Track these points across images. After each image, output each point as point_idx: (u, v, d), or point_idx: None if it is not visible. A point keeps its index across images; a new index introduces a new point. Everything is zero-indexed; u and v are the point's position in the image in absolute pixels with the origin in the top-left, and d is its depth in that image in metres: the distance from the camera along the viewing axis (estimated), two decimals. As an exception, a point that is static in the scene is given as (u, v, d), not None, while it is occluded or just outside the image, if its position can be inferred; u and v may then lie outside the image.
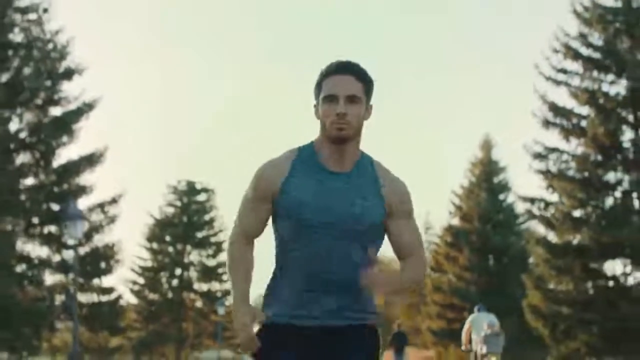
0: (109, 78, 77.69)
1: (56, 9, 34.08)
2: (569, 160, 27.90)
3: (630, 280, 27.58)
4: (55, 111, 28.60)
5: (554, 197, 28.36)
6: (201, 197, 48.55)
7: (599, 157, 27.51)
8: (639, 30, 27.62)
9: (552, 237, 28.41)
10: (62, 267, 28.00)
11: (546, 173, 27.92)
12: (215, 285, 47.40)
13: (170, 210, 47.90)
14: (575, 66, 28.13)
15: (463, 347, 15.77)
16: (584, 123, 27.73)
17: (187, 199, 48.15)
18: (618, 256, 27.20)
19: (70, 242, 23.39)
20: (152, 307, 45.71)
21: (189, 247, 47.26)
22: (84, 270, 28.57)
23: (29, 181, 28.07)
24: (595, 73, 27.90)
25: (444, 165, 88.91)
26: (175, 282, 46.86)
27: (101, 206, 29.74)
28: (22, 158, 27.86)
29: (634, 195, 27.44)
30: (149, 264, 46.79)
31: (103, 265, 30.00)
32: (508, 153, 79.32)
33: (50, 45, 28.52)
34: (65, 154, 29.35)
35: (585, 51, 28.13)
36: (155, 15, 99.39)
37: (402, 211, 2.97)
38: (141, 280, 46.21)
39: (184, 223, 47.21)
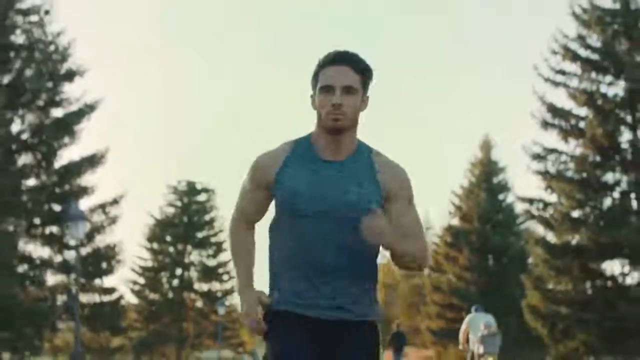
0: (109, 79, 77.78)
1: (57, 11, 34.11)
2: (568, 161, 27.97)
3: (629, 280, 27.59)
4: (57, 112, 28.83)
5: (552, 198, 28.44)
6: (201, 197, 48.60)
7: (598, 158, 27.57)
8: (637, 32, 27.73)
9: (551, 237, 28.47)
10: (64, 267, 28.13)
11: (545, 174, 28.00)
12: (216, 285, 47.43)
13: (171, 210, 47.93)
14: (573, 67, 28.26)
15: (460, 347, 15.97)
16: (582, 124, 27.80)
17: (188, 199, 48.20)
18: (616, 256, 27.24)
19: (72, 242, 23.57)
20: (152, 307, 45.71)
21: (189, 247, 47.28)
22: (86, 271, 28.66)
23: (31, 182, 28.22)
24: (593, 74, 27.97)
25: (444, 165, 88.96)
26: (175, 282, 46.87)
27: (102, 207, 29.87)
28: (24, 159, 28.02)
29: (632, 195, 27.49)
30: (150, 264, 46.81)
31: (104, 265, 30.13)
32: (508, 153, 79.42)
33: (52, 47, 28.68)
34: (66, 155, 29.61)
35: (583, 53, 28.21)
36: (155, 16, 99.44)
37: (401, 196, 2.95)
38: (142, 280, 46.22)
39: (184, 223, 47.26)
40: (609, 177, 27.77)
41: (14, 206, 26.70)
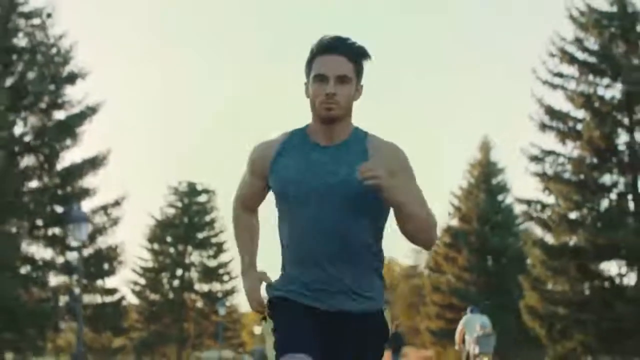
0: (110, 81, 78.03)
1: (59, 14, 34.28)
2: (565, 163, 28.06)
3: (626, 281, 27.69)
4: (59, 115, 28.96)
5: (550, 199, 28.53)
6: (202, 198, 48.71)
7: (595, 160, 27.68)
8: (634, 35, 27.87)
9: (549, 238, 28.53)
10: (66, 268, 28.24)
11: (543, 175, 28.10)
12: (216, 286, 47.53)
13: (171, 211, 48.03)
14: (571, 70, 28.35)
15: (457, 347, 16.21)
16: (579, 126, 27.90)
17: (188, 200, 48.30)
18: (613, 257, 27.30)
19: (74, 243, 23.68)
20: (153, 308, 45.78)
21: (189, 248, 47.39)
22: (88, 272, 28.81)
23: (33, 184, 28.36)
24: (590, 77, 28.06)
25: (443, 166, 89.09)
26: (176, 282, 46.95)
27: (104, 208, 30.05)
28: (27, 161, 28.15)
29: (629, 197, 27.56)
30: (150, 264, 46.88)
31: (106, 266, 30.29)
32: (506, 154, 79.53)
33: (54, 50, 28.81)
34: (68, 157, 29.73)
35: (581, 55, 28.32)
36: (155, 16, 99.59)
37: (398, 172, 2.86)
38: (142, 281, 46.29)
39: (184, 224, 47.36)
40: (606, 178, 27.85)
41: (17, 208, 26.85)
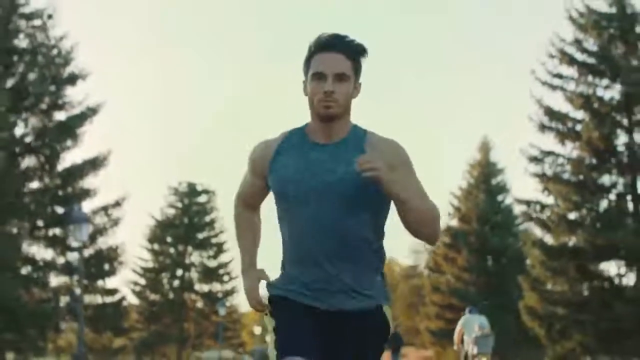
0: (110, 81, 78.08)
1: (60, 15, 34.35)
2: (565, 163, 28.09)
3: (625, 281, 27.73)
4: (60, 116, 29.00)
5: (549, 200, 28.56)
6: (202, 199, 48.79)
7: (594, 161, 27.71)
8: (633, 36, 27.92)
9: (548, 239, 28.57)
10: (67, 269, 28.28)
11: (542, 176, 28.12)
12: (216, 286, 47.60)
13: (172, 211, 48.11)
14: (570, 71, 28.37)
15: (455, 347, 16.31)
16: (579, 127, 27.92)
17: (188, 200, 48.38)
18: (612, 258, 27.33)
19: (75, 244, 23.72)
20: (153, 308, 45.84)
21: (190, 248, 47.46)
22: (88, 272, 28.88)
23: (34, 184, 28.39)
24: (590, 78, 28.09)
25: (443, 166, 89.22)
26: (176, 282, 47.01)
27: (105, 209, 30.12)
28: (28, 162, 28.19)
29: (628, 198, 27.57)
30: (151, 264, 46.95)
31: (107, 267, 30.34)
32: (506, 155, 79.67)
33: (55, 51, 28.87)
34: (69, 158, 29.90)
35: (580, 56, 28.36)
36: (155, 16, 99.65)
37: (397, 167, 2.85)
38: (142, 281, 46.36)
39: (185, 224, 47.43)
40: (606, 179, 27.87)
41: (18, 208, 26.89)
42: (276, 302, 2.94)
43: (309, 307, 2.88)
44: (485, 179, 43.97)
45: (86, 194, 29.27)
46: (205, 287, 47.65)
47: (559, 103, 30.05)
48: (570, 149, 28.19)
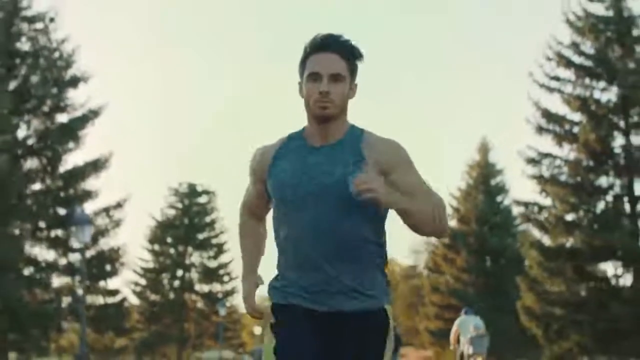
0: (111, 83, 78.15)
1: (61, 18, 34.53)
2: (562, 165, 28.17)
3: (621, 282, 27.83)
4: (62, 118, 29.22)
5: (547, 202, 28.65)
6: (202, 199, 48.89)
7: (591, 163, 27.81)
8: (629, 39, 28.04)
9: (546, 240, 28.65)
10: (69, 269, 28.46)
11: (539, 178, 28.18)
12: (217, 287, 47.69)
13: (172, 212, 48.20)
14: (567, 74, 28.47)
15: (451, 347, 16.58)
16: (576, 129, 28.02)
17: (189, 201, 48.48)
18: (609, 259, 27.44)
19: (77, 245, 23.93)
20: (154, 308, 45.89)
21: (190, 249, 47.55)
22: (90, 273, 29.01)
23: (36, 186, 28.58)
24: (587, 80, 28.19)
25: (442, 167, 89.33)
26: (176, 283, 47.10)
27: (106, 210, 30.30)
28: (30, 164, 28.40)
29: (625, 199, 27.66)
30: (151, 265, 47.02)
31: (108, 268, 30.51)
32: (505, 156, 79.86)
33: (57, 54, 29.09)
34: (71, 160, 30.01)
35: (577, 59, 28.48)
36: (155, 16, 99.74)
37: (398, 165, 2.85)
38: (143, 282, 46.44)
39: (185, 225, 47.53)
40: (603, 181, 27.95)
41: (20, 210, 27.10)
42: (275, 309, 2.92)
43: (308, 309, 2.85)
44: (484, 180, 44.03)
45: (88, 195, 29.45)
46: (205, 288, 47.77)
47: (557, 105, 30.27)
48: (568, 151, 28.28)
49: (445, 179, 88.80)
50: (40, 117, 28.55)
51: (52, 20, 29.03)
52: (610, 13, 28.40)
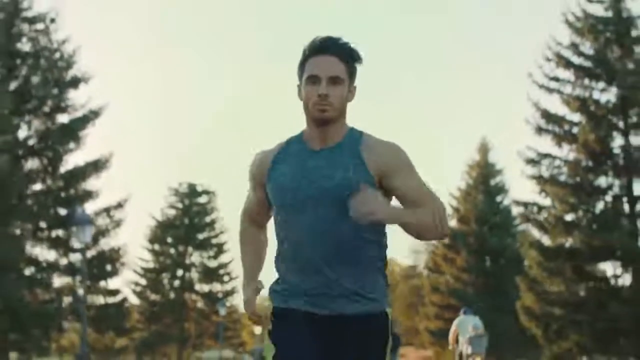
0: (111, 83, 78.22)
1: (62, 19, 34.62)
2: (561, 165, 28.21)
3: (620, 282, 27.89)
4: (63, 118, 29.29)
5: (546, 202, 28.68)
6: (202, 199, 48.95)
7: (590, 163, 27.86)
8: (628, 40, 28.11)
9: (545, 240, 28.68)
10: (70, 269, 28.50)
11: (539, 178, 28.24)
12: (217, 286, 47.74)
13: (172, 212, 48.25)
14: (567, 74, 28.52)
15: (450, 347, 16.68)
16: (575, 130, 28.07)
17: (189, 201, 48.54)
18: (608, 259, 27.49)
19: (77, 245, 23.98)
20: (154, 308, 45.93)
21: (190, 249, 47.60)
22: (91, 273, 29.07)
23: (37, 186, 28.65)
24: (586, 81, 28.26)
25: (442, 167, 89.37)
26: (177, 283, 47.15)
27: (107, 210, 30.37)
28: (31, 164, 28.47)
29: (624, 199, 27.71)
30: (151, 265, 47.07)
31: (109, 268, 30.57)
32: (505, 156, 79.99)
33: (57, 55, 29.16)
34: (72, 160, 29.94)
35: (576, 60, 28.53)
36: (155, 17, 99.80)
37: (398, 169, 2.85)
38: (143, 282, 46.50)
39: (185, 225, 47.59)
40: (602, 181, 27.99)
41: (21, 210, 27.16)
42: (276, 313, 2.92)
43: (308, 313, 2.86)
44: (484, 180, 44.09)
45: (88, 195, 29.51)
46: (205, 287, 47.82)
47: (556, 106, 30.28)
48: (567, 152, 28.31)
49: (445, 178, 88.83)
50: (41, 118, 28.63)
51: (52, 21, 29.13)
52: (610, 14, 28.46)
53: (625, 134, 27.98)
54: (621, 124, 28.06)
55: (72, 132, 28.74)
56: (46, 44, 28.93)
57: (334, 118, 2.85)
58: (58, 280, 29.06)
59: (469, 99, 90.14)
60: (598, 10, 28.70)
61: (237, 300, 48.79)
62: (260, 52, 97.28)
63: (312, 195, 2.82)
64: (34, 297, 28.00)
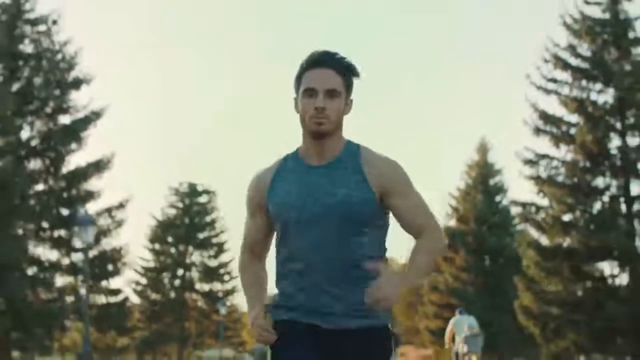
0: (111, 83, 78.36)
1: (64, 20, 34.80)
2: (559, 166, 28.30)
3: (618, 282, 27.98)
4: (65, 119, 29.44)
5: (544, 202, 28.77)
6: (203, 199, 49.12)
7: (588, 164, 27.96)
8: (626, 41, 28.22)
9: (543, 240, 28.77)
10: (72, 269, 28.65)
11: (537, 179, 28.34)
12: (217, 286, 47.89)
13: (173, 211, 48.42)
14: (564, 76, 28.61)
15: (446, 346, 16.93)
16: (573, 130, 28.16)
17: (189, 200, 48.70)
18: (606, 258, 27.58)
19: (79, 245, 24.15)
20: (155, 307, 46.09)
21: (190, 248, 47.76)
22: (93, 273, 29.19)
23: (40, 187, 28.77)
24: (584, 82, 28.36)
25: (441, 167, 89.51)
26: (177, 282, 47.31)
27: (109, 211, 30.50)
28: (33, 165, 28.62)
29: (621, 200, 27.83)
30: (152, 264, 47.24)
31: (111, 267, 30.70)
32: (504, 156, 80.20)
33: (59, 56, 29.32)
34: (74, 161, 30.07)
35: (574, 61, 28.64)
36: (155, 16, 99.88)
37: (398, 188, 2.85)
38: (144, 281, 46.67)
39: (185, 224, 47.75)
40: (599, 182, 28.07)
41: (23, 210, 27.27)
42: (278, 329, 2.90)
43: (310, 325, 2.85)
44: (483, 180, 44.19)
45: (90, 196, 29.65)
46: (206, 287, 47.97)
47: (554, 107, 30.41)
48: (565, 152, 28.37)
49: (445, 178, 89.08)
50: (43, 119, 28.77)
51: (54, 22, 29.29)
52: (607, 16, 28.56)
53: (622, 134, 28.07)
54: (618, 125, 28.15)
55: (74, 132, 28.87)
56: (48, 45, 29.08)
57: (330, 131, 2.85)
58: (60, 280, 29.21)
59: (469, 99, 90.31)
60: (595, 12, 28.83)
61: (238, 300, 49.02)
62: (260, 52, 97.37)
63: (317, 213, 2.82)
64: (37, 296, 28.12)
